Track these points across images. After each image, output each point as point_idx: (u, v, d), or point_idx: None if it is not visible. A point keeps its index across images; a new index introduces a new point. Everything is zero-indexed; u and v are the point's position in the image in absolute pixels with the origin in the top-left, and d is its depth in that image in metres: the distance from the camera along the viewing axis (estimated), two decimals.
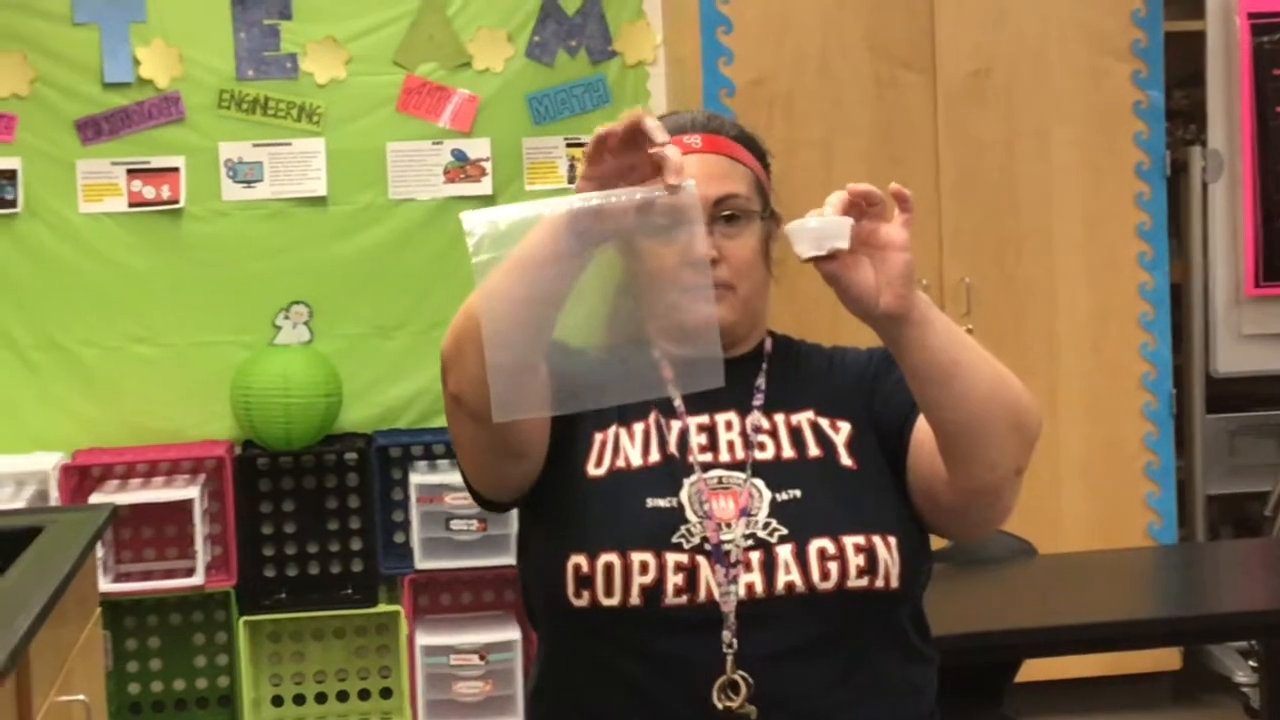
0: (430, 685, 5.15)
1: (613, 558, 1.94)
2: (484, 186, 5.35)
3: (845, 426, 2.05)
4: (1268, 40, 5.40)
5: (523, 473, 2.00)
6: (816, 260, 1.82)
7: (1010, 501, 1.96)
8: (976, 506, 1.96)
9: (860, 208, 1.83)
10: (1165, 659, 5.11)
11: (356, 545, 5.23)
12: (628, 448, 2.01)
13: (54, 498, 4.93)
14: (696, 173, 2.02)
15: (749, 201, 2.07)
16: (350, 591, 5.22)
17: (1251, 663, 4.98)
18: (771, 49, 4.91)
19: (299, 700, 5.36)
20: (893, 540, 1.97)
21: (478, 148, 5.35)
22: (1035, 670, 3.89)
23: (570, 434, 2.00)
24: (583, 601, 1.95)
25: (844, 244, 1.80)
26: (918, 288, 1.86)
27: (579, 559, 1.95)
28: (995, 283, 4.98)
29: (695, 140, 2.07)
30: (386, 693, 5.36)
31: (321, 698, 5.37)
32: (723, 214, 2.05)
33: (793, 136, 4.90)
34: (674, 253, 2.00)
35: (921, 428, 1.97)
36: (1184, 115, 5.51)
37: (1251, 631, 3.93)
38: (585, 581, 1.94)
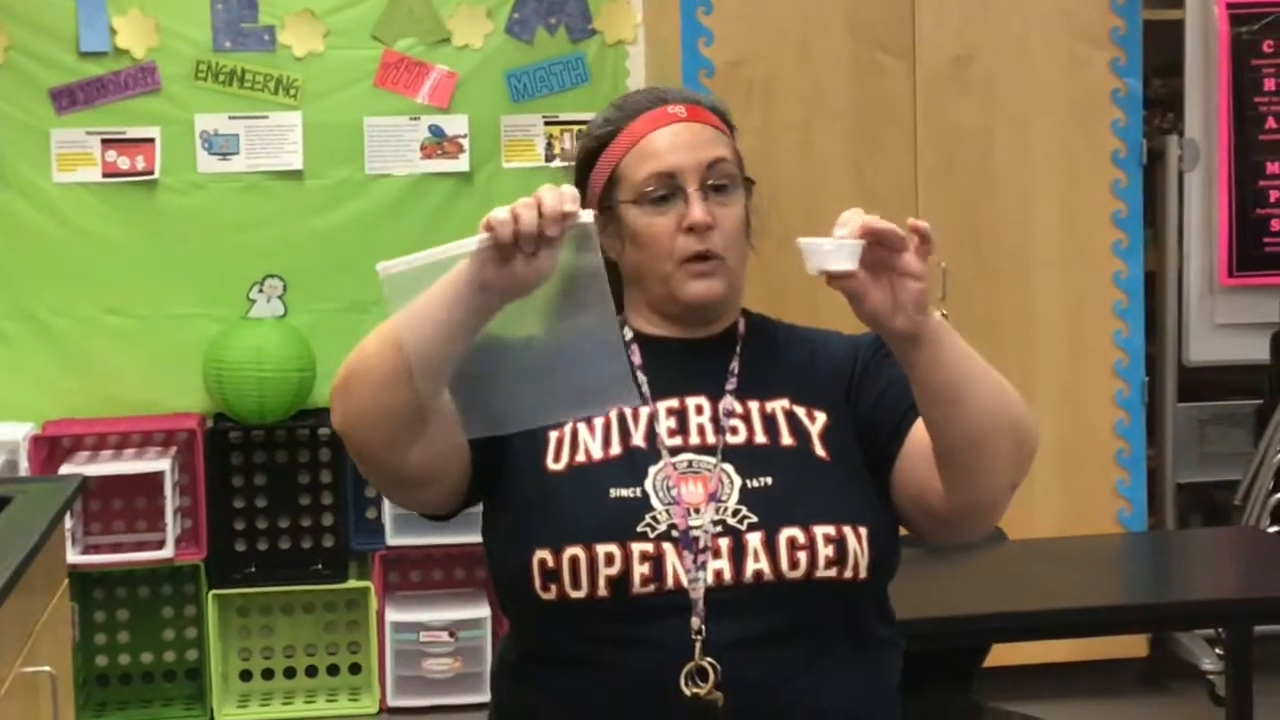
0: (399, 661, 5.14)
1: (577, 551, 1.93)
2: (461, 163, 5.33)
3: (821, 417, 2.03)
4: (1246, 31, 5.41)
5: (436, 497, 2.01)
6: (829, 276, 1.83)
7: (1003, 513, 1.99)
8: (970, 519, 1.97)
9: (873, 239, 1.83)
10: (1133, 646, 5.13)
11: (328, 520, 5.23)
12: (587, 441, 1.99)
13: (23, 468, 4.92)
14: (685, 141, 2.03)
15: (735, 168, 2.06)
16: (320, 567, 5.21)
17: (1218, 650, 5.00)
18: (751, 30, 4.90)
19: (268, 675, 5.35)
20: (863, 531, 1.96)
21: (455, 124, 5.33)
22: (1004, 655, 3.91)
23: (528, 433, 1.99)
24: (550, 595, 1.94)
25: (849, 267, 1.82)
26: (934, 312, 1.87)
27: (544, 554, 1.94)
28: (972, 268, 4.99)
29: (679, 110, 2.07)
30: (356, 668, 5.36)
31: (290, 672, 5.36)
32: (714, 182, 2.03)
33: (772, 118, 4.89)
34: (669, 221, 2.00)
35: (916, 436, 1.97)
36: (1162, 104, 5.52)
37: (1219, 619, 3.95)
38: (552, 576, 1.94)
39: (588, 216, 1.82)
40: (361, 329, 5.72)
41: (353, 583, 5.22)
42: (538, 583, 1.94)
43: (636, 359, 1.98)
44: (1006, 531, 3.68)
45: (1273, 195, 5.43)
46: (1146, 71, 5.14)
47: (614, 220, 2.06)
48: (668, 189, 2.02)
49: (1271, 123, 5.42)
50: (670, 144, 2.04)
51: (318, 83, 5.28)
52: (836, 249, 1.82)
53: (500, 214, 1.82)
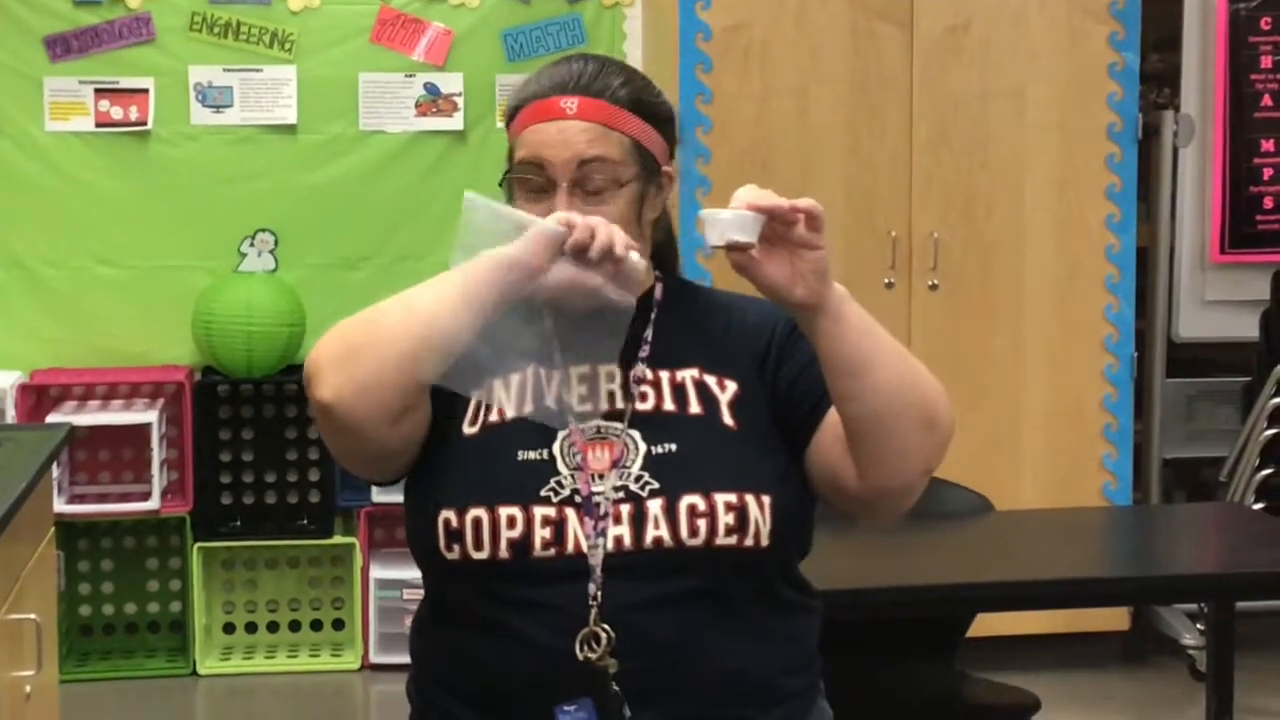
0: (383, 618, 5.15)
1: (480, 512, 1.95)
2: (455, 122, 5.32)
3: (731, 386, 2.04)
4: (1244, 7, 5.40)
5: (402, 466, 2.02)
6: (726, 249, 1.85)
7: (917, 496, 1.99)
8: (883, 502, 1.98)
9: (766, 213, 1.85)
10: (1115, 619, 5.15)
11: (314, 476, 5.23)
12: (502, 399, 2.00)
13: (10, 416, 4.91)
14: (564, 137, 2.02)
15: (617, 168, 2.02)
16: (306, 522, 5.22)
17: (1199, 626, 5.02)
18: None
19: (251, 628, 5.36)
20: (766, 500, 1.96)
21: (451, 82, 5.32)
22: (987, 625, 3.92)
23: (451, 395, 1.99)
24: (454, 555, 1.96)
25: (747, 238, 1.85)
26: (835, 283, 1.89)
27: (449, 514, 1.96)
28: (964, 238, 4.98)
29: (571, 104, 2.03)
30: (339, 624, 5.37)
31: (274, 627, 5.37)
32: (586, 185, 2.01)
33: (768, 84, 4.88)
34: (540, 212, 1.98)
35: (832, 415, 1.97)
36: (1158, 79, 5.51)
37: (1201, 594, 3.96)
38: (455, 536, 1.96)
39: (639, 261, 1.90)
40: (352, 284, 5.75)
41: (338, 539, 5.23)
42: (442, 542, 1.96)
43: (548, 324, 1.97)
44: (993, 502, 3.69)
45: (1266, 173, 5.43)
46: (1144, 46, 5.13)
47: (510, 190, 2.08)
48: (543, 180, 2.02)
49: (1267, 100, 5.42)
50: (546, 139, 2.03)
51: (313, 37, 5.26)
52: (737, 220, 1.85)
53: (579, 217, 1.90)
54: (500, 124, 5.26)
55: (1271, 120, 5.43)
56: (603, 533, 1.94)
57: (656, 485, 1.96)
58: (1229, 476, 5.24)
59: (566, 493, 1.96)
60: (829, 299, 1.88)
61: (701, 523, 1.94)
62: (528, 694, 1.95)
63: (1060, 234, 5.06)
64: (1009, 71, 5.01)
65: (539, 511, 1.94)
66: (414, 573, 5.37)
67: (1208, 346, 5.53)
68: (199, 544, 5.14)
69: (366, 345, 1.90)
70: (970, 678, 3.55)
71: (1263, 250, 5.39)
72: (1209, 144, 5.39)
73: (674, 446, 1.99)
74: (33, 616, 3.16)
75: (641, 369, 2.04)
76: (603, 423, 2.00)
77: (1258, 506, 5.02)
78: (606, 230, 1.88)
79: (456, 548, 1.96)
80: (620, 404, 2.01)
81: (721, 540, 1.95)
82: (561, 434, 1.98)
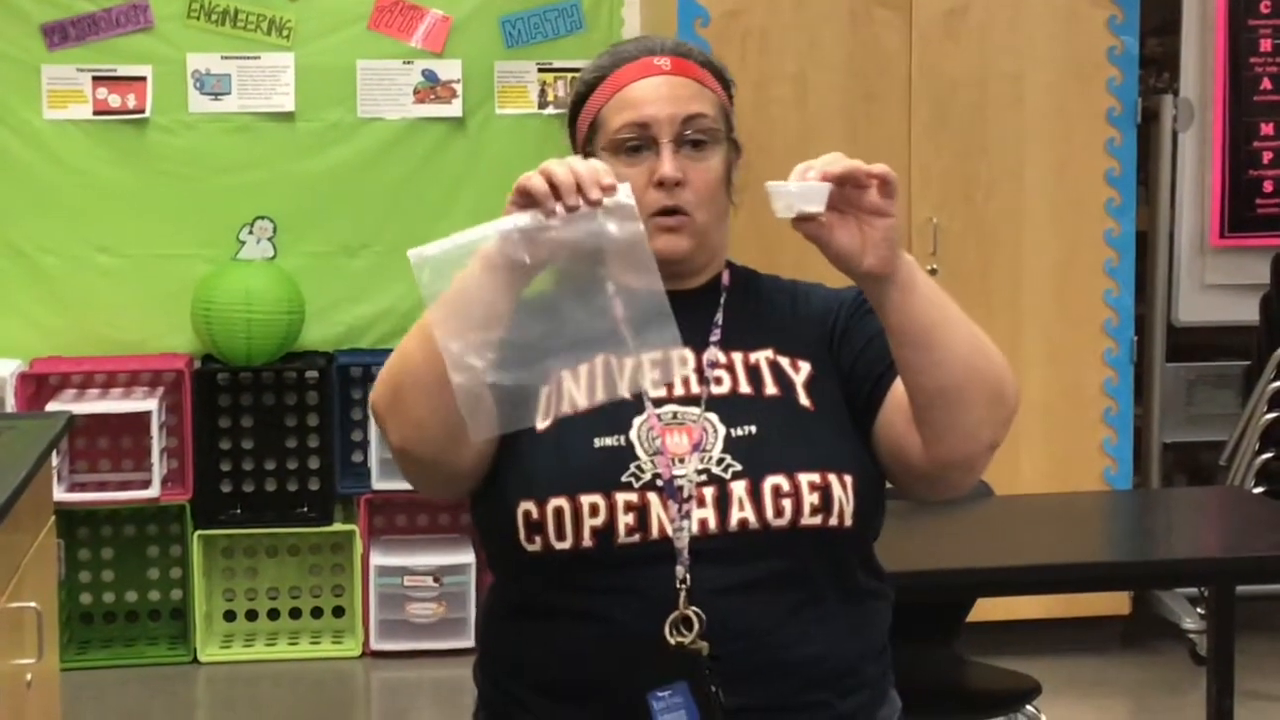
0: (383, 605, 5.16)
1: (562, 502, 1.93)
2: (454, 108, 5.31)
3: (805, 367, 2.03)
4: None
5: (475, 480, 2.00)
6: (795, 220, 1.83)
7: (982, 473, 1.97)
8: (949, 476, 1.96)
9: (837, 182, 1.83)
10: (1115, 603, 5.15)
11: (314, 464, 5.23)
12: (573, 390, 1.97)
13: (10, 405, 4.91)
14: (664, 92, 2.02)
15: (715, 124, 2.04)
16: (306, 509, 5.22)
17: (1200, 610, 5.02)
18: None
19: (251, 616, 5.36)
20: (848, 479, 1.95)
21: (449, 69, 5.31)
22: (987, 610, 3.92)
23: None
24: (535, 547, 1.94)
25: (816, 209, 1.82)
26: (904, 251, 1.86)
27: (528, 505, 1.94)
28: (963, 223, 4.98)
29: (664, 62, 2.05)
30: (339, 611, 5.37)
31: (274, 614, 5.37)
32: (689, 136, 2.02)
33: (767, 69, 4.87)
34: (641, 173, 1.99)
35: (896, 392, 1.95)
36: (1157, 63, 5.51)
37: (1201, 578, 3.96)
38: (536, 527, 1.94)
39: (625, 191, 1.82)
40: (350, 272, 5.76)
41: (338, 526, 5.23)
42: (522, 534, 1.94)
43: (617, 311, 1.96)
44: (993, 487, 3.69)
45: (1266, 156, 5.43)
46: (1143, 30, 5.12)
47: None
48: (641, 140, 2.01)
49: (1267, 84, 5.41)
50: (647, 95, 2.02)
51: (311, 24, 5.25)
52: (805, 191, 1.82)
53: (533, 177, 1.83)
54: (500, 109, 5.32)
55: (1271, 104, 5.42)
56: (687, 515, 1.92)
57: (739, 467, 1.94)
58: (1229, 460, 5.24)
59: (648, 477, 1.93)
60: (899, 268, 1.85)
61: (786, 503, 1.93)
62: (618, 681, 1.93)
63: (1059, 219, 5.06)
64: (1007, 56, 5.00)
65: (621, 498, 1.92)
66: (414, 559, 5.40)
67: (1208, 330, 5.53)
68: (199, 532, 5.15)
69: (406, 385, 1.90)
70: (971, 662, 3.56)
71: (1262, 234, 5.38)
72: (1208, 128, 5.39)
73: (754, 429, 1.97)
74: (33, 605, 3.16)
75: (715, 352, 2.02)
76: (679, 408, 1.98)
77: (1258, 490, 5.02)
78: (565, 168, 1.83)
79: (538, 539, 1.93)
80: (696, 388, 2.00)
81: (807, 520, 1.93)
82: (638, 420, 1.96)
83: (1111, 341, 5.10)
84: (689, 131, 2.02)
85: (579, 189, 1.81)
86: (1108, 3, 5.02)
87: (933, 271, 4.89)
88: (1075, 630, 5.12)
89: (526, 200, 1.83)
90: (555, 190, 1.81)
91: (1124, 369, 5.12)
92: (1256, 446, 5.17)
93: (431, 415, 1.89)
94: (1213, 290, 5.45)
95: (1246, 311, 5.31)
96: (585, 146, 2.07)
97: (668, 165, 1.99)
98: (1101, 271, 5.08)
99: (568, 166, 1.82)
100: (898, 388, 1.95)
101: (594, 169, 1.83)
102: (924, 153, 4.95)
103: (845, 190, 1.83)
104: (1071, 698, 4.67)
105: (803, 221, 1.83)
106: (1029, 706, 3.42)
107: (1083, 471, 5.07)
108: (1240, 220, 5.43)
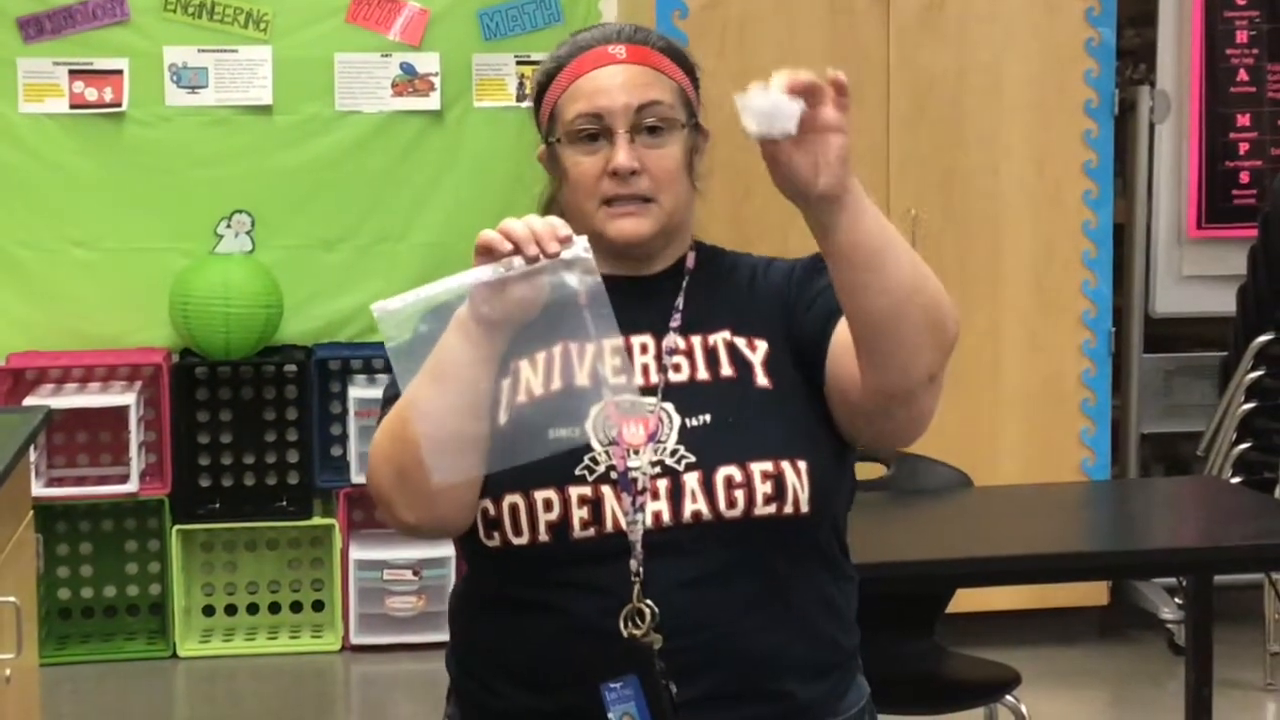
0: (363, 599, 5.15)
1: (516, 498, 1.93)
2: (432, 101, 5.31)
3: (762, 345, 2.02)
4: None
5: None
6: (762, 140, 1.80)
7: (926, 408, 1.93)
8: (891, 411, 1.92)
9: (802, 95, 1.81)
10: (1093, 594, 5.16)
11: (293, 458, 5.22)
12: (530, 377, 1.97)
13: None
14: (619, 81, 2.02)
15: (672, 110, 2.03)
16: (285, 504, 5.21)
17: (1178, 600, 5.04)
18: None
19: (230, 610, 5.35)
20: (802, 465, 1.95)
21: (427, 62, 5.30)
22: (966, 601, 3.93)
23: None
24: (494, 542, 1.95)
25: (792, 128, 1.79)
26: (852, 172, 1.84)
27: (485, 502, 1.94)
28: (942, 215, 4.99)
29: (619, 50, 2.04)
30: (319, 605, 5.36)
31: (253, 609, 5.37)
32: (645, 124, 2.01)
33: (745, 62, 4.87)
34: (597, 162, 1.99)
35: (841, 333, 1.94)
36: (1134, 54, 5.52)
37: (1179, 568, 3.97)
38: (494, 524, 1.95)
39: (582, 244, 1.83)
40: (329, 265, 5.73)
41: (317, 520, 5.23)
42: (482, 531, 1.96)
43: (582, 299, 1.96)
44: (971, 478, 3.70)
45: (1242, 148, 5.44)
46: (1120, 22, 5.14)
47: (554, 157, 2.06)
48: (597, 129, 2.01)
49: (1243, 75, 5.42)
50: (601, 85, 2.02)
51: (288, 17, 5.24)
52: (778, 108, 1.79)
53: (491, 233, 1.83)
54: (479, 102, 5.31)
55: (1247, 95, 5.43)
56: (641, 508, 1.93)
57: (692, 458, 1.94)
58: (1206, 451, 5.25)
59: (602, 469, 1.94)
60: (850, 189, 1.82)
61: (739, 494, 1.93)
62: (574, 673, 1.93)
63: (1037, 210, 5.07)
64: (985, 48, 5.01)
65: (575, 491, 1.93)
66: (393, 553, 5.38)
67: (1185, 322, 5.54)
68: (178, 526, 5.14)
69: (409, 465, 1.88)
70: (950, 653, 3.57)
71: (1239, 225, 5.39)
72: (1185, 119, 5.40)
73: (708, 418, 1.97)
74: (12, 600, 3.15)
75: (674, 339, 2.02)
76: (636, 397, 1.98)
77: (1235, 480, 5.04)
78: (523, 225, 1.83)
79: (496, 535, 1.94)
80: (655, 377, 2.00)
81: (760, 510, 1.93)
82: (594, 409, 1.96)
83: (1089, 333, 5.11)
84: (644, 119, 2.01)
85: (536, 242, 1.81)
86: None
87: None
88: (1054, 620, 5.13)
89: (487, 256, 1.83)
90: (514, 245, 1.82)
91: (1102, 360, 5.13)
92: (1234, 437, 5.18)
93: (440, 488, 1.89)
94: (1190, 281, 5.47)
95: (1224, 302, 5.32)
96: (546, 137, 2.07)
97: (622, 155, 1.99)
98: (1079, 263, 5.09)
99: (525, 222, 1.83)
100: (841, 330, 1.93)
101: (550, 223, 1.83)
102: (903, 145, 4.96)
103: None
104: (1051, 688, 4.68)
105: (769, 142, 1.80)
106: (1009, 697, 3.43)
107: (1061, 462, 5.08)
108: (1217, 211, 5.44)
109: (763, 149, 1.81)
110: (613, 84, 2.02)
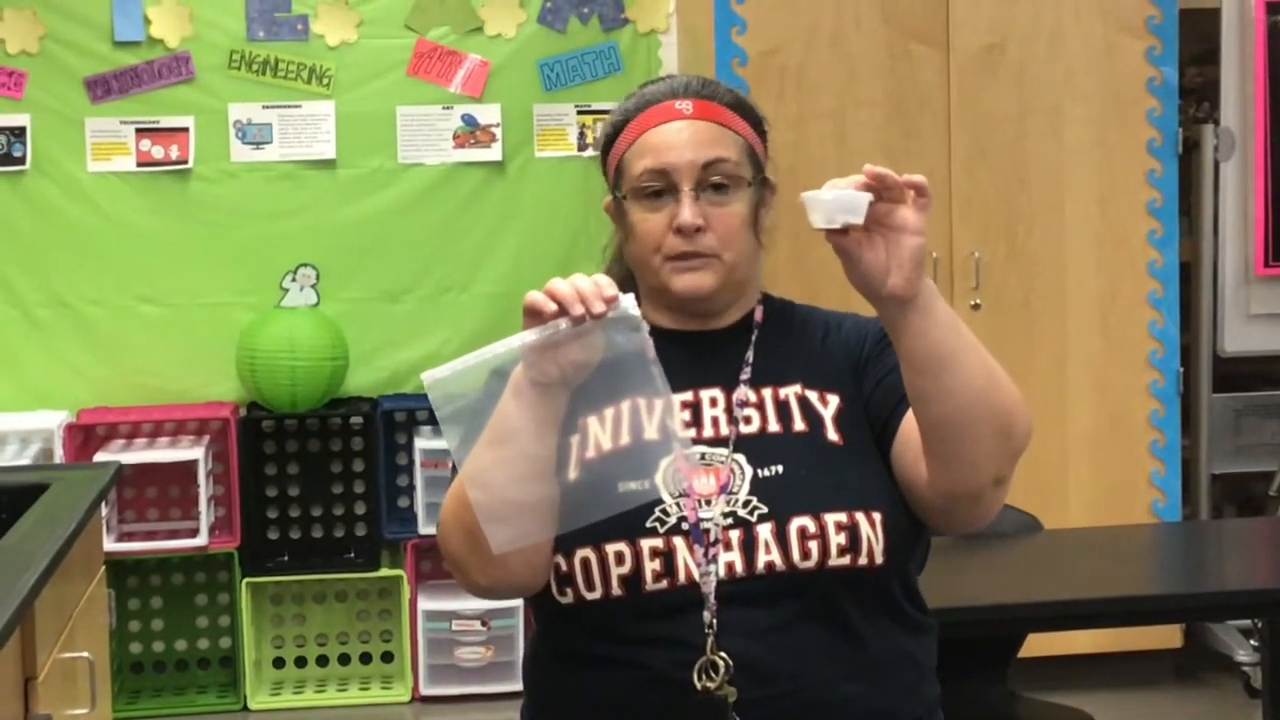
0: (432, 650, 5.16)
1: (588, 552, 1.93)
2: (494, 153, 5.34)
3: (834, 400, 2.02)
4: None
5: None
6: (829, 233, 1.81)
7: (990, 508, 1.93)
8: (956, 509, 1.93)
9: (875, 189, 1.82)
10: (1167, 636, 5.11)
11: (360, 509, 5.24)
12: (598, 433, 1.98)
13: (59, 455, 4.94)
14: (685, 138, 2.02)
15: (738, 167, 2.04)
16: (353, 555, 5.23)
17: (1253, 642, 4.98)
18: (785, 19, 4.89)
19: (300, 662, 5.37)
20: (877, 516, 1.94)
21: (488, 113, 5.34)
22: (1038, 645, 3.90)
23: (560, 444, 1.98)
24: (568, 599, 1.96)
25: (857, 219, 1.80)
26: (927, 275, 1.84)
27: (557, 559, 1.95)
28: (1005, 257, 4.97)
29: (686, 106, 2.05)
30: (388, 657, 5.37)
31: (323, 660, 5.38)
32: (711, 181, 2.02)
33: (805, 108, 4.88)
34: (662, 218, 1.99)
35: (908, 426, 1.94)
36: (1197, 93, 5.49)
37: (1254, 610, 3.93)
38: (566, 580, 1.95)
39: (630, 302, 1.83)
40: (393, 317, 5.77)
41: (385, 571, 5.24)
42: (555, 588, 1.96)
43: (650, 354, 1.96)
44: (1041, 521, 3.67)
45: None
46: (1182, 60, 5.12)
47: (620, 210, 2.06)
48: (663, 185, 2.02)
49: None
50: (668, 141, 2.02)
51: (351, 72, 5.29)
52: (843, 200, 1.80)
53: (537, 295, 1.82)
54: (540, 152, 5.34)
55: None
56: (714, 559, 1.92)
57: (765, 509, 1.94)
58: (1279, 491, 5.20)
59: (672, 521, 1.94)
60: (921, 292, 1.82)
61: (813, 544, 1.92)
62: None
63: (1102, 251, 5.04)
64: (1046, 89, 5.00)
65: (646, 544, 1.93)
66: (462, 604, 5.38)
67: (1254, 360, 5.49)
68: (247, 579, 5.16)
69: (476, 528, 1.88)
70: (1023, 698, 3.53)
71: None
72: (1250, 157, 5.36)
73: (780, 469, 1.97)
74: (86, 655, 3.17)
75: (744, 391, 2.02)
76: (707, 449, 1.98)
77: None
78: (569, 285, 1.82)
79: (570, 591, 1.95)
80: (725, 429, 2.00)
81: (834, 561, 1.92)
82: (664, 462, 1.96)
83: (1157, 373, 5.07)
84: (710, 177, 2.01)
85: (582, 302, 1.81)
86: (1146, 34, 5.02)
87: (976, 306, 4.88)
88: (1128, 664, 5.08)
89: (535, 318, 1.83)
90: (560, 305, 1.82)
91: (1170, 401, 5.09)
92: None
93: (510, 555, 1.89)
94: (1258, 320, 5.42)
95: None
96: (613, 190, 2.07)
97: (686, 213, 1.99)
98: (1145, 303, 5.06)
99: (571, 282, 1.83)
100: (909, 420, 1.93)
101: (596, 283, 1.83)
102: (964, 187, 4.95)
103: (877, 206, 1.81)
104: None
105: (837, 234, 1.80)
106: None
107: (1131, 504, 5.04)
108: None
109: (832, 242, 1.81)
110: (679, 140, 2.02)
